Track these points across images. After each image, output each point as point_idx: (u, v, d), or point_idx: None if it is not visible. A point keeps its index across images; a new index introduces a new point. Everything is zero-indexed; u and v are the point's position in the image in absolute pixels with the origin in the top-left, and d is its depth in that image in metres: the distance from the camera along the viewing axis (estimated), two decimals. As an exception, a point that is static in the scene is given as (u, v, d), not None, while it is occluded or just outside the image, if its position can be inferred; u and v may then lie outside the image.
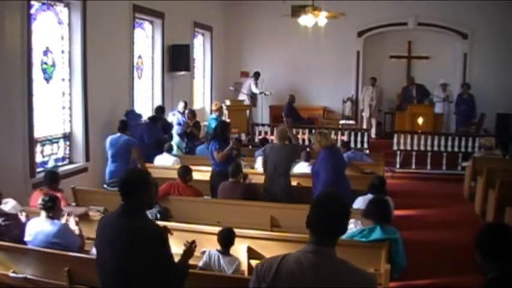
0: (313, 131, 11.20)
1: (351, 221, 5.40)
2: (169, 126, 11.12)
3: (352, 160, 9.62)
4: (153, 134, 10.10)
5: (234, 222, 5.83)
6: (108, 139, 8.39)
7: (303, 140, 12.48)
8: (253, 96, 15.27)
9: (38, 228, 5.01)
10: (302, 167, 8.92)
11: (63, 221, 5.22)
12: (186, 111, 11.81)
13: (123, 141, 8.31)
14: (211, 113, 13.57)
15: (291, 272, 2.63)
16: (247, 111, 14.60)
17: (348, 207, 2.79)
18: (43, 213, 5.05)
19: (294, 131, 9.29)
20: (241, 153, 9.14)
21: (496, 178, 8.64)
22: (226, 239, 5.03)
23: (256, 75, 15.30)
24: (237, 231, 5.20)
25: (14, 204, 6.09)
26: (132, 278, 3.30)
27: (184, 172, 7.22)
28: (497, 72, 15.06)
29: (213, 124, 10.91)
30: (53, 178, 6.54)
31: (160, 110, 11.08)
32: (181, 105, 11.94)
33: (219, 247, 5.02)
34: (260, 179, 7.70)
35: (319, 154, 6.99)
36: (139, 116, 10.59)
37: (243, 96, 15.04)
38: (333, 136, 12.27)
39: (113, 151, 8.29)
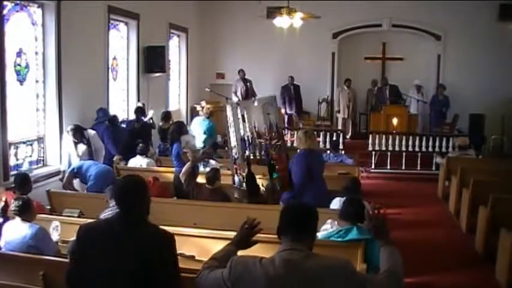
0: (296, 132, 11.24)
1: (328, 221, 5.43)
2: (148, 128, 10.98)
3: (332, 161, 9.75)
4: (110, 137, 9.58)
5: (210, 224, 5.82)
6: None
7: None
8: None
9: (14, 232, 4.90)
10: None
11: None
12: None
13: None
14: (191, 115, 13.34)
15: (268, 275, 2.71)
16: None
17: (312, 209, 2.95)
18: (18, 218, 4.96)
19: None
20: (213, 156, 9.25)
21: (469, 177, 8.75)
22: None
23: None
24: (214, 232, 5.18)
25: None
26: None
27: None
28: (470, 73, 15.26)
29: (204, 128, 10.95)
30: (24, 181, 6.29)
31: (139, 111, 10.96)
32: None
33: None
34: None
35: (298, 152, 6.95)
36: (108, 115, 10.01)
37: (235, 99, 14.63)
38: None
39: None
